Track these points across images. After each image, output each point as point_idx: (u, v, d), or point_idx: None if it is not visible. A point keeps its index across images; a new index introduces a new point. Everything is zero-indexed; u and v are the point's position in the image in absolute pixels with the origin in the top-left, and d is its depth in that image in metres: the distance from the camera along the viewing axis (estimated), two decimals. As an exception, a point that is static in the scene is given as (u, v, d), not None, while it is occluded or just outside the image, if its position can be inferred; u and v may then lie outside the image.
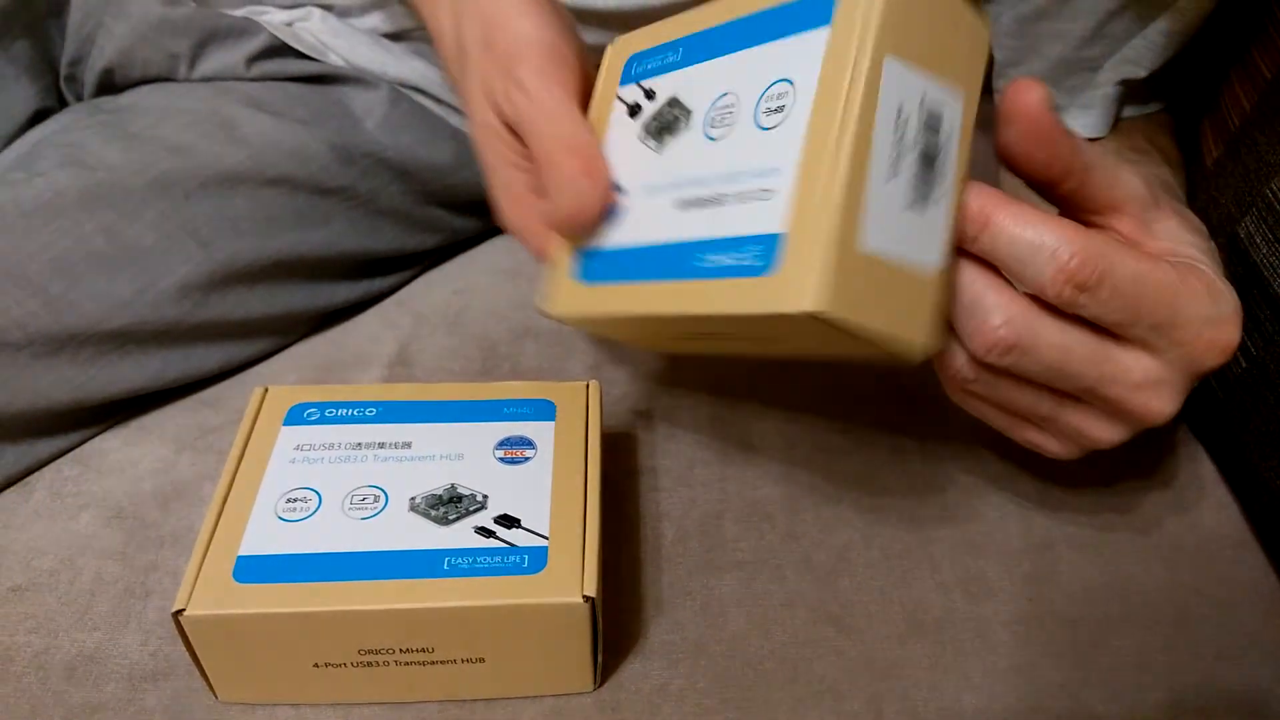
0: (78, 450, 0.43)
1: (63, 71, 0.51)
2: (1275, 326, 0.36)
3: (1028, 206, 0.28)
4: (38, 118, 0.50)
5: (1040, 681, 0.33)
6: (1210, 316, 0.30)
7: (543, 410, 0.37)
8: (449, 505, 0.34)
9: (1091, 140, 0.48)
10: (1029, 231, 0.28)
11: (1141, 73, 0.45)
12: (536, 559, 0.32)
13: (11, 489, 0.41)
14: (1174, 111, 0.51)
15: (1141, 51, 0.45)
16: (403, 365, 0.47)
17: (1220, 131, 0.44)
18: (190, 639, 0.31)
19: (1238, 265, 0.39)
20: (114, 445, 0.43)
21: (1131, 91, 0.47)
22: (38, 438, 0.41)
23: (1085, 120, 0.47)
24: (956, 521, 0.40)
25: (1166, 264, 0.29)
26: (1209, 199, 0.42)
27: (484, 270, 0.52)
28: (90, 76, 0.50)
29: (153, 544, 0.39)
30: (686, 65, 0.32)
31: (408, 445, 0.36)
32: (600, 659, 0.33)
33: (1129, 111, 0.48)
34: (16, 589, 0.37)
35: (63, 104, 0.52)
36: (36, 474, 0.42)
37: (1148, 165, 0.46)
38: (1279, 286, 0.36)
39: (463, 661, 0.33)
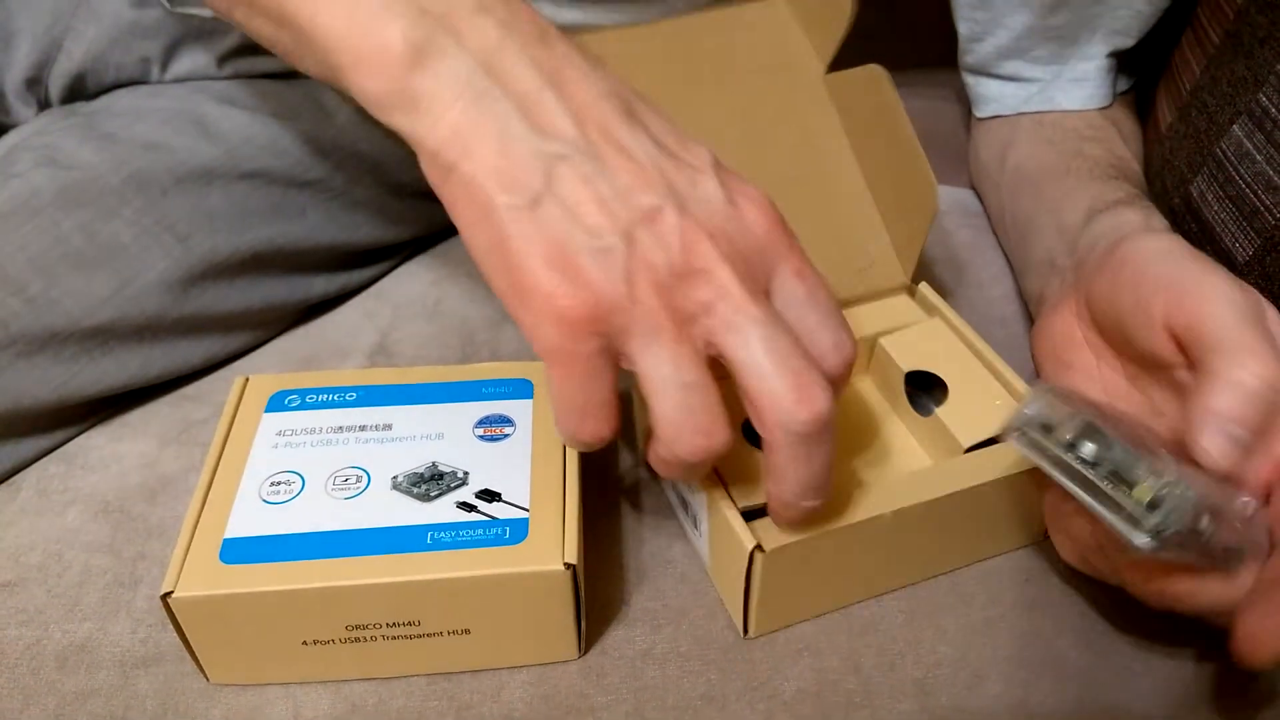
0: (63, 448, 0.43)
1: (25, 74, 0.51)
2: (1229, 281, 0.37)
3: None
4: None
5: (1034, 650, 0.34)
6: None
7: (521, 389, 0.38)
8: (430, 482, 0.34)
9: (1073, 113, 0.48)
10: None
11: (1130, 42, 0.46)
12: (518, 530, 0.33)
13: (-3, 488, 0.41)
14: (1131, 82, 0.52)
15: (1128, 21, 0.46)
16: (383, 355, 0.47)
17: (1174, 96, 0.45)
18: (180, 621, 0.32)
19: (1191, 223, 0.40)
20: (99, 442, 0.43)
21: (1121, 65, 0.48)
22: (22, 437, 0.42)
23: (1080, 94, 0.48)
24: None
25: None
26: (1164, 162, 0.43)
27: (461, 260, 0.53)
28: (59, 81, 0.50)
29: (140, 535, 0.39)
30: None
31: (388, 427, 0.36)
32: (584, 627, 0.34)
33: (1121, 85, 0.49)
34: (6, 584, 0.38)
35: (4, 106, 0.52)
36: (22, 473, 0.42)
37: (1105, 145, 0.47)
38: (1230, 241, 0.37)
39: (449, 634, 0.33)
